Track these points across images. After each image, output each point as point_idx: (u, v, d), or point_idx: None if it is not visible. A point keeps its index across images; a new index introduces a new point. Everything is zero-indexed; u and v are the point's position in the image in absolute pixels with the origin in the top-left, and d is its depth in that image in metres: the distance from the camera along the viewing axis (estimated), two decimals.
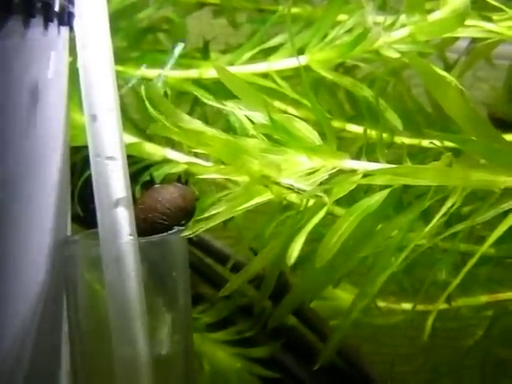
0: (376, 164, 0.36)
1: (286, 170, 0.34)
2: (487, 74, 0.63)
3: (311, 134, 0.36)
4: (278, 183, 0.35)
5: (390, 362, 0.62)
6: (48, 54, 0.39)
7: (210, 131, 0.36)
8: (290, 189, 0.34)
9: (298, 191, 0.34)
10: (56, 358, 0.41)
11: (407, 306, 0.61)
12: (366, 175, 0.35)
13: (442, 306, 0.53)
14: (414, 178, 0.34)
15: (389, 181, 0.35)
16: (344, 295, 0.60)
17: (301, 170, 0.35)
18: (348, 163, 0.36)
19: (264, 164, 0.35)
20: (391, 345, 0.66)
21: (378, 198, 0.36)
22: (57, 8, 0.39)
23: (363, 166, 0.36)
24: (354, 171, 0.36)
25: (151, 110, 0.37)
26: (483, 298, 0.57)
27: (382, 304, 0.60)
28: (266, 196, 0.36)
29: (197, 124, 0.37)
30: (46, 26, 0.38)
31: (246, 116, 0.36)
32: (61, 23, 0.39)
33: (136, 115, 0.59)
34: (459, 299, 0.57)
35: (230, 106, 0.36)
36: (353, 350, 0.61)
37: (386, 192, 0.37)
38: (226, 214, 0.36)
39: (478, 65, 0.56)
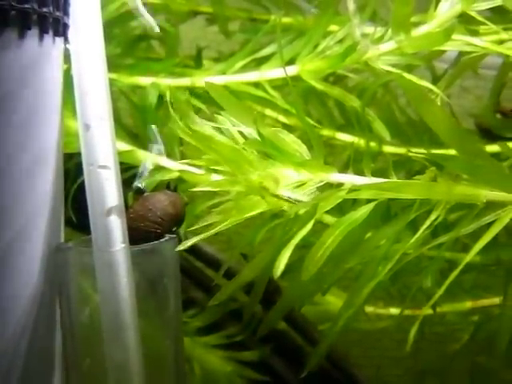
0: (362, 178, 0.37)
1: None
2: (474, 83, 0.64)
3: (300, 147, 0.37)
4: (276, 195, 0.36)
5: (377, 365, 0.63)
6: (43, 64, 0.39)
7: (220, 137, 0.37)
8: (288, 200, 0.35)
9: (295, 202, 0.35)
10: (49, 363, 0.42)
11: (395, 311, 0.61)
12: (352, 190, 0.36)
13: (429, 311, 0.54)
14: (398, 193, 0.35)
15: (374, 195, 0.36)
16: (333, 300, 0.61)
17: (289, 183, 0.36)
18: (335, 177, 0.37)
19: (263, 176, 0.36)
20: (379, 348, 0.67)
21: (364, 210, 0.37)
22: (52, 20, 0.39)
23: (350, 179, 0.37)
24: (340, 184, 0.37)
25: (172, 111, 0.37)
26: (468, 304, 0.58)
27: (370, 309, 0.61)
28: (257, 208, 0.37)
29: (208, 129, 0.38)
30: (41, 38, 0.39)
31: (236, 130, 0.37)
32: (56, 34, 0.40)
33: (128, 121, 0.59)
34: (445, 305, 0.58)
35: (220, 120, 0.37)
36: (341, 354, 0.62)
37: (372, 204, 0.38)
38: (218, 225, 0.36)
39: (464, 75, 0.57)
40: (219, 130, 0.38)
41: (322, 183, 0.37)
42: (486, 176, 0.34)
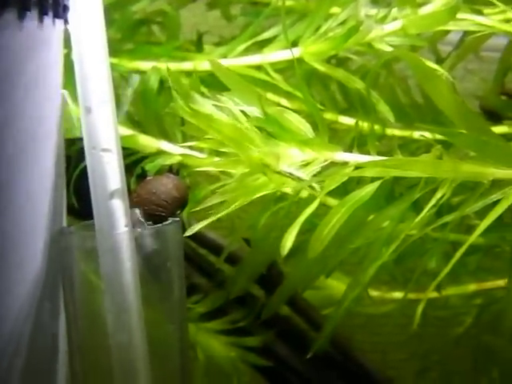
0: (367, 156, 0.37)
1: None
2: (478, 66, 0.64)
3: (304, 127, 0.37)
4: (278, 172, 0.36)
5: (381, 349, 0.63)
6: (43, 46, 0.39)
7: (221, 115, 0.37)
8: (290, 177, 0.35)
9: (298, 179, 0.35)
10: (53, 347, 0.42)
11: (398, 294, 0.61)
12: (357, 167, 0.36)
13: (433, 294, 0.54)
14: (404, 170, 0.34)
15: (379, 173, 0.35)
16: (336, 284, 0.61)
17: (294, 163, 0.36)
18: (340, 155, 0.37)
19: (264, 153, 0.36)
20: (383, 333, 0.67)
21: (369, 189, 0.37)
22: (52, 1, 0.39)
23: (355, 158, 0.37)
24: (345, 163, 0.37)
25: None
26: (472, 287, 0.58)
27: (373, 293, 0.61)
28: (261, 190, 0.37)
29: (209, 107, 0.38)
30: (41, 19, 0.38)
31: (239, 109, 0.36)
32: (56, 16, 0.40)
33: (130, 107, 0.59)
34: (449, 288, 0.58)
35: (223, 100, 0.36)
36: (345, 339, 0.62)
37: (377, 183, 0.37)
38: (223, 208, 0.36)
39: (469, 57, 0.57)
40: (222, 111, 0.38)
41: (326, 162, 0.37)
42: (493, 153, 0.34)
